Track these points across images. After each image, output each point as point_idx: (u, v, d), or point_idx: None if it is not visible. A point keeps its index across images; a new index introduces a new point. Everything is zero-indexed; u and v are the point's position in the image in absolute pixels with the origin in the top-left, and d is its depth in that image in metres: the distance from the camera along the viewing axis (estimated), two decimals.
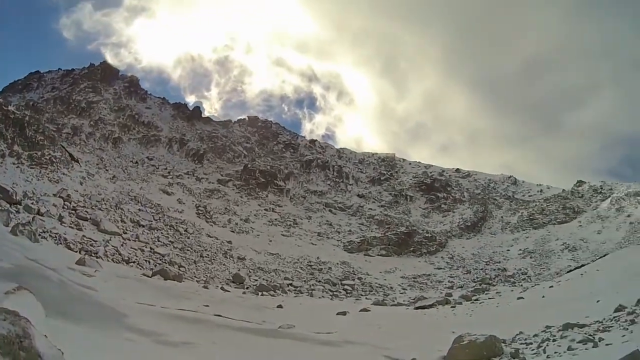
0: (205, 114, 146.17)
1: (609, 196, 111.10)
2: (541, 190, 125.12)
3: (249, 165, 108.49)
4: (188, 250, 63.22)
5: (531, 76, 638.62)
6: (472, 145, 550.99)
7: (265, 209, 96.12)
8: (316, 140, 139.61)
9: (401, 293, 69.68)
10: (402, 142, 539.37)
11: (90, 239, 50.94)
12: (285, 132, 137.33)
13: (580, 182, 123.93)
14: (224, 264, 63.21)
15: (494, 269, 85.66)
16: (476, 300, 50.81)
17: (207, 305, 28.98)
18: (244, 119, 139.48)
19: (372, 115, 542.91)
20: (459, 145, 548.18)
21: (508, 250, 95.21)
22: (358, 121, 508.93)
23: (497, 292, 58.07)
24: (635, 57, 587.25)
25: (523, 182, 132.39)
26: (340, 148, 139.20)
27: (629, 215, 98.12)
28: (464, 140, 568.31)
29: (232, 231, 79.32)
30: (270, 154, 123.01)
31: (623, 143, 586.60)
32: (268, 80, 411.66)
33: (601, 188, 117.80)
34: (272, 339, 18.67)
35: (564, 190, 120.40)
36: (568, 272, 64.26)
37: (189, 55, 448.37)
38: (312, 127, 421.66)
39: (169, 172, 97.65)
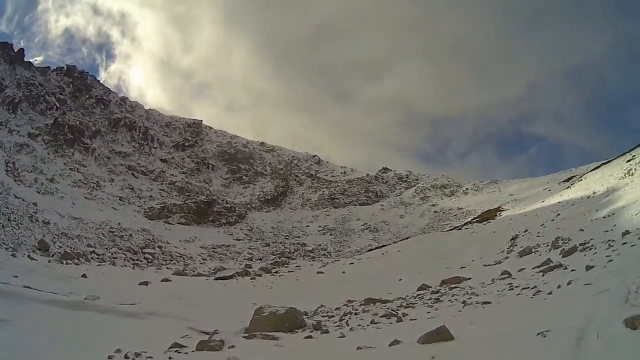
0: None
1: (414, 185, 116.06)
2: (345, 172, 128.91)
3: (59, 120, 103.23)
4: None
5: (324, 41, 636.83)
6: (257, 108, 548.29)
7: (71, 169, 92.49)
8: (127, 98, 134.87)
9: (201, 263, 70.47)
10: (186, 98, 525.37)
11: None
12: (99, 86, 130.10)
13: (385, 169, 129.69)
14: (30, 229, 61.28)
15: (294, 243, 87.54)
16: (276, 272, 52.39)
17: (16, 276, 28.03)
18: (63, 67, 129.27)
19: (158, 67, 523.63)
20: (244, 107, 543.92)
21: (308, 226, 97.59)
22: (145, 72, 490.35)
23: (296, 266, 59.53)
24: (447, 35, 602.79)
25: (327, 162, 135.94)
26: (150, 109, 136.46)
27: (433, 205, 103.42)
28: (249, 102, 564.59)
29: (38, 192, 76.13)
30: (82, 109, 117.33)
31: (427, 121, 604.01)
32: (69, 19, 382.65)
33: (407, 177, 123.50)
34: (78, 311, 18.09)
35: (368, 174, 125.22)
36: (369, 250, 66.23)
37: None
38: (107, 76, 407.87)
39: None
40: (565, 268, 19.57)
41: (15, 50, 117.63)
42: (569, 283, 15.10)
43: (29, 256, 47.49)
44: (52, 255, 54.07)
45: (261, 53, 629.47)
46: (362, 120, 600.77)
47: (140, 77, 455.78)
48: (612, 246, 21.00)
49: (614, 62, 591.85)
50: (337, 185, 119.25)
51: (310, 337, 14.82)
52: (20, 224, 61.11)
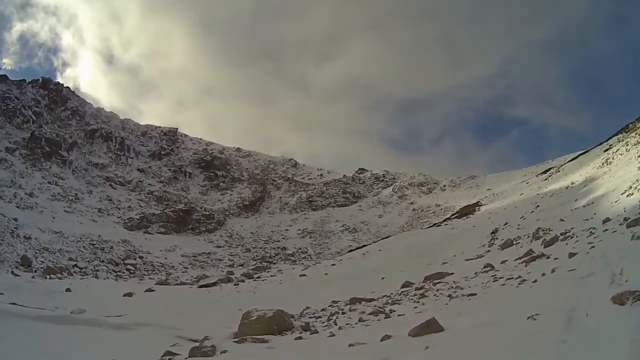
0: None
1: (392, 184, 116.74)
2: (321, 175, 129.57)
3: (36, 133, 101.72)
4: None
5: (263, 21, 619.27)
6: (206, 102, 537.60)
7: (49, 182, 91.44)
8: (102, 108, 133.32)
9: (183, 272, 70.51)
10: (134, 97, 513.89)
11: None
12: (74, 98, 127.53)
13: (362, 170, 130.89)
14: (12, 245, 61.30)
15: (274, 248, 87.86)
16: (258, 277, 52.30)
17: (2, 293, 27.89)
18: (38, 80, 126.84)
19: (102, 66, 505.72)
20: (194, 101, 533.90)
21: (287, 229, 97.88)
22: (94, 73, 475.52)
23: (278, 270, 59.75)
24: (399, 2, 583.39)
25: (304, 165, 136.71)
26: (125, 119, 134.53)
27: (412, 203, 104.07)
28: (197, 96, 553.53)
29: (18, 207, 75.60)
30: (58, 121, 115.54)
31: (394, 105, 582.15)
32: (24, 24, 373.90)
33: (383, 176, 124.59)
34: (66, 325, 18.03)
35: (344, 176, 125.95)
36: (349, 251, 66.32)
37: None
38: (63, 81, 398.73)
39: None
40: (548, 257, 19.86)
41: None
42: (553, 270, 15.35)
43: (12, 272, 47.62)
44: (35, 271, 54.27)
45: (201, 40, 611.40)
46: (320, 108, 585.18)
47: (90, 78, 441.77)
48: (593, 233, 21.35)
49: (596, 25, 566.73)
50: (315, 188, 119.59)
51: (300, 337, 14.87)
52: (2, 240, 60.97)
